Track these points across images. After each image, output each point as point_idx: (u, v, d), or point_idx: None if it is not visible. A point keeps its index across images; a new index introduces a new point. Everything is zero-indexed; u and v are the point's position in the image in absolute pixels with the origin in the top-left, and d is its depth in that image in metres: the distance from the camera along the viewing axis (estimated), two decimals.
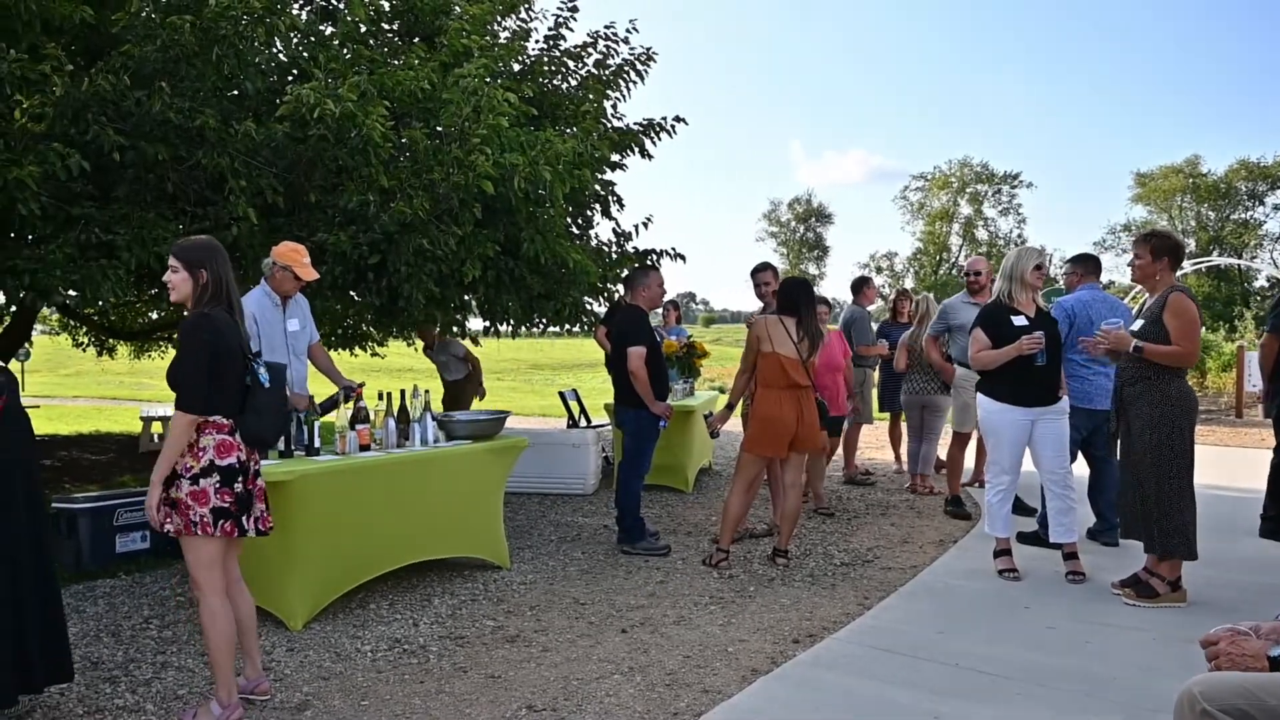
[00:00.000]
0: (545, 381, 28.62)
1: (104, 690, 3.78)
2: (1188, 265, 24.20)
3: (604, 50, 8.06)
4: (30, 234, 5.78)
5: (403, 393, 5.41)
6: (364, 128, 5.64)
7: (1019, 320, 5.33)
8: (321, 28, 6.95)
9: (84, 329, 12.45)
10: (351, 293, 6.88)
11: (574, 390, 9.22)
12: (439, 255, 6.05)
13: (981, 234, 59.28)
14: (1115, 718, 3.51)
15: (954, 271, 57.54)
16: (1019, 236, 58.54)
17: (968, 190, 59.45)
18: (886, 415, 9.99)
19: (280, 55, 6.60)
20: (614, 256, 8.12)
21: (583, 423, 8.82)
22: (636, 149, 8.14)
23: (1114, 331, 4.91)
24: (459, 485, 5.40)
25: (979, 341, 5.45)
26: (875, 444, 11.31)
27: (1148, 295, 5.09)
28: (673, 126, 8.18)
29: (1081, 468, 6.08)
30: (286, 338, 5.32)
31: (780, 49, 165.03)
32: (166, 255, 3.46)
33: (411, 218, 5.86)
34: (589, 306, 7.92)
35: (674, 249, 8.22)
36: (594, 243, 8.24)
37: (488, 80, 6.32)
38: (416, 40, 7.38)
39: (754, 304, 7.48)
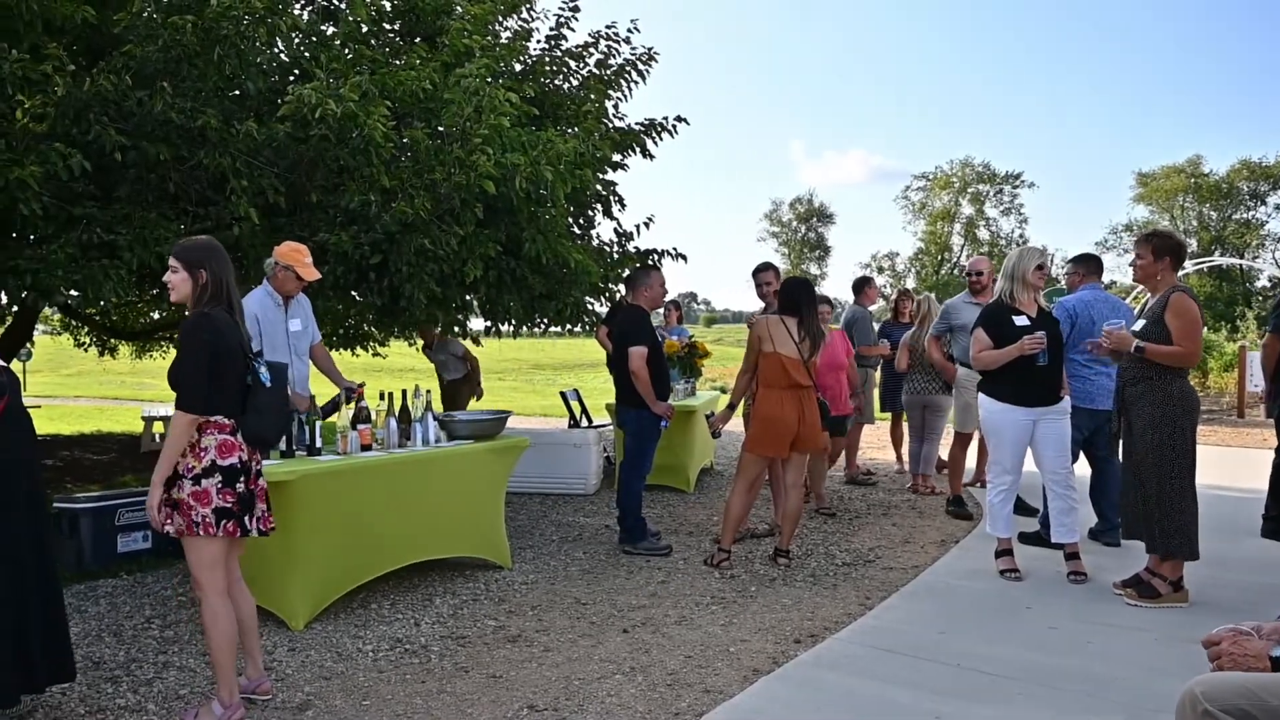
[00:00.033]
0: (546, 381, 28.64)
1: (106, 690, 3.78)
2: (1189, 265, 24.18)
3: (605, 50, 8.06)
4: (32, 234, 5.79)
5: (404, 393, 5.41)
6: (365, 128, 5.64)
7: (1020, 320, 5.33)
8: (323, 28, 6.95)
9: (85, 329, 12.45)
10: (353, 293, 6.88)
11: (575, 390, 9.22)
12: (440, 255, 6.05)
13: (983, 234, 59.23)
14: (1117, 718, 3.51)
15: (955, 271, 57.49)
16: (1021, 236, 58.52)
17: (969, 190, 59.41)
18: (888, 415, 9.98)
19: (282, 55, 6.60)
20: (615, 256, 8.12)
21: (584, 423, 8.82)
22: (638, 149, 8.14)
23: (1116, 332, 4.90)
24: (460, 485, 5.40)
25: (980, 341, 5.44)
26: (877, 444, 11.31)
27: (1149, 295, 5.09)
28: (674, 126, 8.18)
29: (1083, 468, 6.07)
30: (288, 338, 5.32)
31: (781, 49, 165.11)
32: (168, 255, 3.46)
33: (413, 218, 5.86)
34: (590, 306, 7.92)
35: (675, 249, 8.22)
36: (595, 243, 8.24)
37: (489, 80, 6.32)
38: (418, 40, 7.38)
39: (755, 304, 7.48)
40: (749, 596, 5.17)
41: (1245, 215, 50.28)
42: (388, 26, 7.46)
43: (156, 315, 11.28)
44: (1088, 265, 6.47)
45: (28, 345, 12.40)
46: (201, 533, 3.31)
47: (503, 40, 7.74)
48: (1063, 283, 7.15)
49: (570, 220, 7.63)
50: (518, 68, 7.63)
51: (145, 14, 5.59)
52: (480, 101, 6.06)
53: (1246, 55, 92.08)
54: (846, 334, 8.42)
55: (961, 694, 3.74)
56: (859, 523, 7.15)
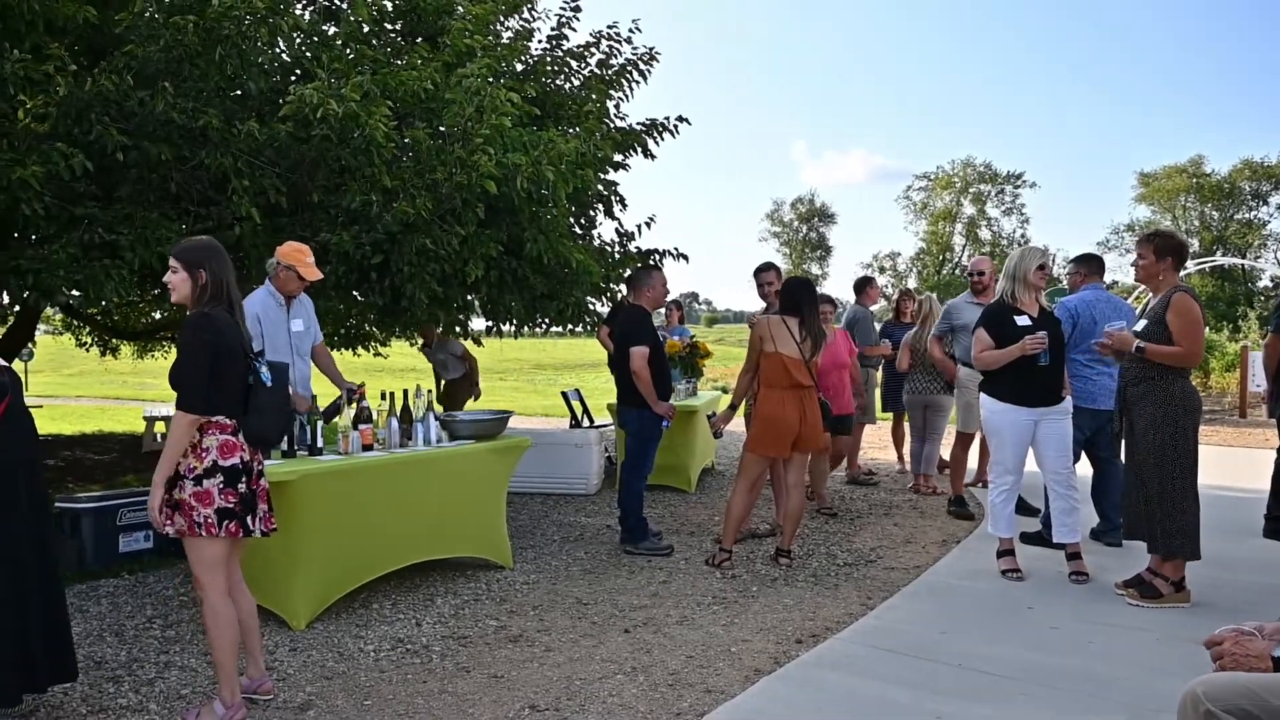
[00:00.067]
0: (548, 381, 28.64)
1: (107, 690, 3.78)
2: (1191, 265, 24.15)
3: (606, 50, 8.06)
4: (34, 234, 5.79)
5: (405, 392, 5.41)
6: (367, 128, 5.65)
7: (1022, 320, 5.32)
8: (324, 28, 6.96)
9: (87, 329, 12.46)
10: (354, 293, 6.88)
11: (577, 390, 9.22)
12: (442, 255, 6.05)
13: (985, 234, 59.22)
14: (1118, 718, 3.51)
15: (957, 271, 57.48)
16: (1022, 236, 58.52)
17: (971, 190, 59.40)
18: (889, 415, 9.98)
19: (283, 55, 6.61)
20: (617, 256, 8.12)
21: (585, 423, 8.82)
22: (639, 149, 8.14)
23: (1117, 333, 4.90)
24: (462, 485, 5.40)
25: (982, 341, 5.44)
26: (878, 444, 11.30)
27: (1151, 295, 5.09)
28: (675, 126, 8.18)
29: (1085, 468, 6.07)
30: (290, 338, 5.32)
31: (782, 49, 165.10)
32: (169, 255, 3.46)
33: (414, 218, 5.86)
34: (592, 306, 7.92)
35: (677, 249, 8.23)
36: (597, 243, 8.24)
37: (490, 80, 6.32)
38: (419, 40, 7.38)
39: (757, 304, 7.48)
40: (750, 596, 5.17)
41: (1247, 215, 50.27)
42: (389, 26, 7.47)
43: (158, 315, 11.28)
44: (1089, 265, 6.46)
45: (29, 345, 12.41)
46: (204, 533, 3.31)
47: (504, 40, 7.74)
48: (1064, 283, 7.15)
49: (572, 220, 7.63)
50: (519, 68, 7.63)
51: (147, 14, 5.59)
52: (482, 101, 6.06)
53: (1248, 55, 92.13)
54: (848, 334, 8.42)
55: (963, 694, 3.74)
56: (860, 523, 7.15)
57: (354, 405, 5.02)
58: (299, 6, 7.08)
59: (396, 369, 24.43)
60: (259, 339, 4.93)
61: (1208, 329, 15.02)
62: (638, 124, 8.14)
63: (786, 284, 5.95)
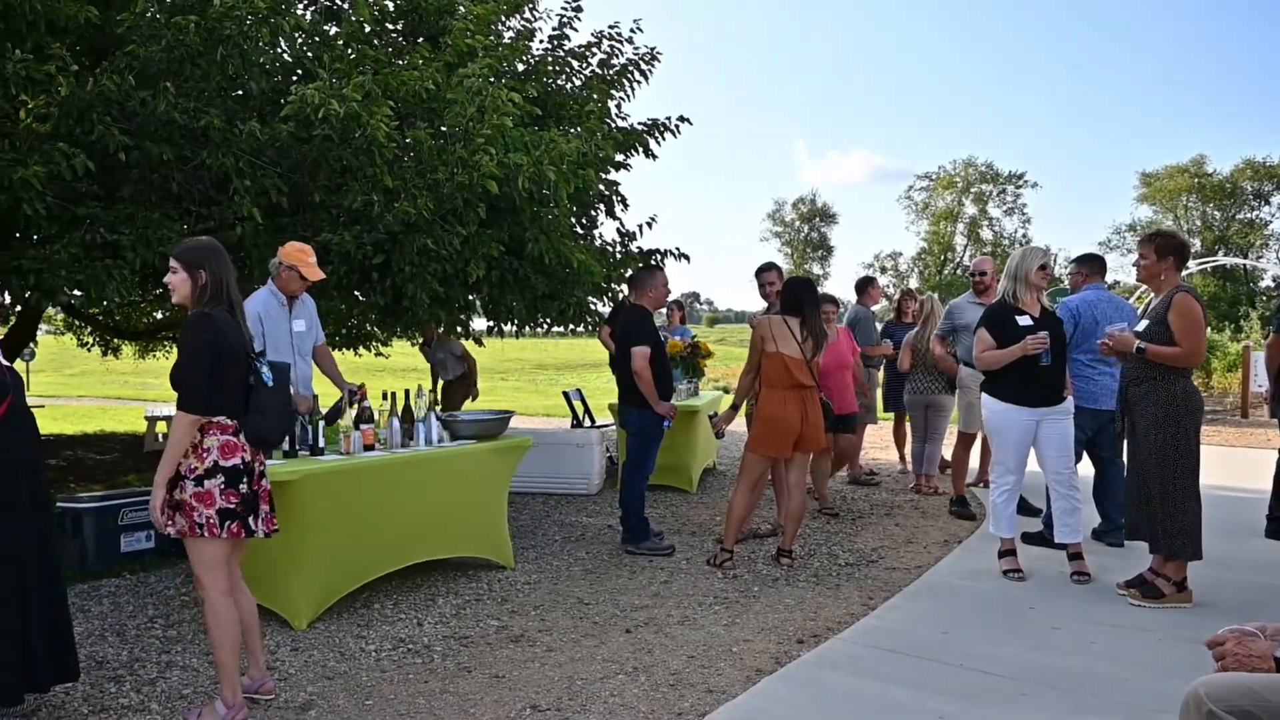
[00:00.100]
0: (549, 381, 28.64)
1: (109, 689, 3.79)
2: (1193, 265, 24.15)
3: (608, 50, 8.05)
4: (35, 234, 5.79)
5: (407, 392, 5.41)
6: (368, 128, 5.64)
7: (1024, 320, 5.32)
8: (326, 28, 6.96)
9: (89, 329, 12.46)
10: (356, 292, 6.88)
11: (578, 390, 9.22)
12: (443, 255, 6.05)
13: (986, 234, 59.25)
14: (1120, 718, 3.51)
15: (958, 271, 57.49)
16: (1024, 236, 58.54)
17: (972, 190, 59.43)
18: (891, 415, 9.97)
19: (285, 55, 6.60)
20: (618, 256, 8.11)
21: (587, 423, 8.82)
22: (640, 149, 8.13)
23: (1118, 334, 4.91)
24: (463, 485, 5.40)
25: (983, 341, 5.44)
26: (880, 444, 11.29)
27: (1153, 295, 5.08)
28: (677, 126, 8.17)
29: (1087, 468, 6.06)
30: (292, 338, 5.33)
31: (783, 49, 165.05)
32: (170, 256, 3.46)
33: (416, 217, 5.86)
34: (593, 306, 7.91)
35: (678, 249, 8.21)
36: (598, 243, 8.23)
37: (492, 80, 6.32)
38: (421, 40, 7.38)
39: (759, 304, 7.47)
40: (752, 596, 5.17)
41: (1249, 215, 50.28)
42: (390, 26, 7.46)
43: (159, 315, 11.29)
44: (1091, 265, 6.46)
45: (31, 345, 12.43)
46: (206, 534, 3.31)
47: (505, 40, 7.73)
48: (1066, 283, 7.14)
49: (573, 220, 7.62)
50: (520, 68, 7.63)
51: (148, 14, 5.59)
52: (483, 101, 6.06)
53: (1251, 55, 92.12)
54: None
55: (964, 694, 3.74)
56: (862, 523, 7.15)
57: (355, 406, 5.02)
58: (300, 6, 7.08)
59: (398, 369, 24.43)
60: (260, 339, 4.94)
61: (1210, 329, 15.02)
62: (639, 124, 8.14)
63: (787, 284, 5.95)
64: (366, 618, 4.74)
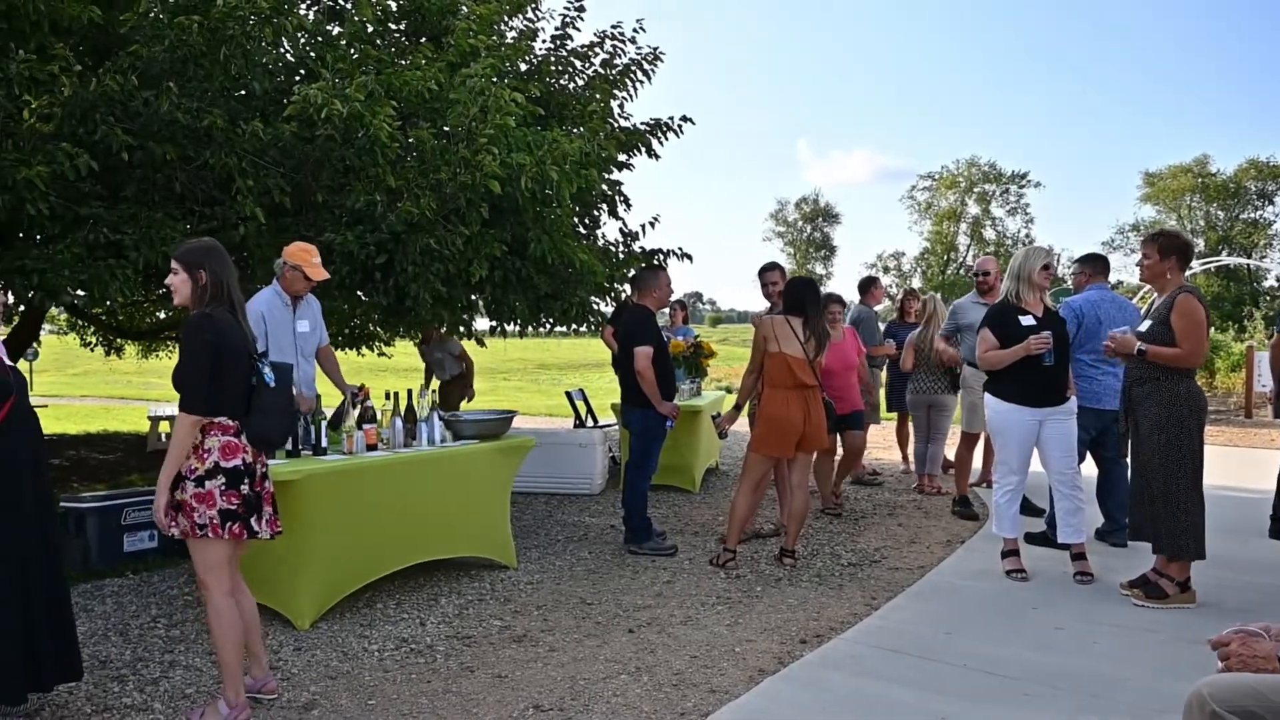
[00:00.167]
0: (552, 381, 28.63)
1: (112, 689, 3.79)
2: (1196, 265, 24.11)
3: (610, 50, 8.05)
4: (39, 234, 5.80)
5: (410, 392, 5.41)
6: (371, 128, 5.65)
7: (1027, 320, 5.32)
8: (329, 28, 6.96)
9: (92, 329, 12.47)
10: (359, 292, 6.88)
11: (581, 390, 9.23)
12: (446, 255, 6.05)
13: (989, 234, 59.20)
14: (1123, 719, 3.50)
15: (961, 271, 57.45)
16: (1027, 236, 58.45)
17: (975, 190, 59.35)
18: (894, 415, 9.97)
19: (287, 55, 6.61)
20: (621, 256, 8.11)
21: (589, 423, 8.82)
22: (643, 149, 8.13)
23: (1119, 336, 4.90)
24: (466, 485, 5.40)
25: (986, 341, 5.43)
26: (882, 444, 11.29)
27: (1156, 295, 5.08)
28: (679, 126, 8.16)
29: (1090, 468, 6.06)
30: (295, 338, 5.32)
31: (786, 48, 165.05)
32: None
33: (418, 217, 5.86)
34: (596, 306, 7.91)
35: (681, 249, 8.20)
36: (601, 242, 8.23)
37: (494, 80, 6.31)
38: (423, 40, 7.38)
39: (761, 304, 7.47)
40: (754, 597, 5.16)
41: (1253, 215, 50.18)
42: (393, 26, 7.47)
43: (163, 315, 11.29)
44: (1094, 265, 6.45)
45: (34, 345, 12.44)
46: (210, 534, 3.31)
47: (508, 40, 7.73)
48: (1069, 283, 7.13)
49: (576, 220, 7.62)
50: (523, 67, 7.62)
51: (151, 14, 5.60)
52: (486, 101, 6.06)
53: (1254, 54, 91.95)
54: None
55: (967, 694, 3.73)
56: (865, 523, 7.15)
57: (358, 406, 5.02)
58: (303, 7, 7.08)
59: (400, 369, 24.43)
60: (263, 339, 4.94)
61: (1213, 329, 14.97)
62: (642, 124, 8.13)
63: (790, 284, 5.95)
64: (369, 617, 4.75)
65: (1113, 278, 6.90)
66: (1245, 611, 4.63)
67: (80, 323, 12.31)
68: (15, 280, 5.40)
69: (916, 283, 57.52)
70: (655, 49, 8.08)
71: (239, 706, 3.40)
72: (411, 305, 6.31)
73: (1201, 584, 4.95)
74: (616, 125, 7.93)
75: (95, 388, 25.04)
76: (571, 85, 7.98)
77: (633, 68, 8.02)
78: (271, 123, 5.73)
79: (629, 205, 8.28)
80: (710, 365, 9.65)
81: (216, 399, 3.32)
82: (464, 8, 7.34)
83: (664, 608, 4.95)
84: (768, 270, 7.05)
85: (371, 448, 4.97)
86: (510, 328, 7.87)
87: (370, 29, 6.94)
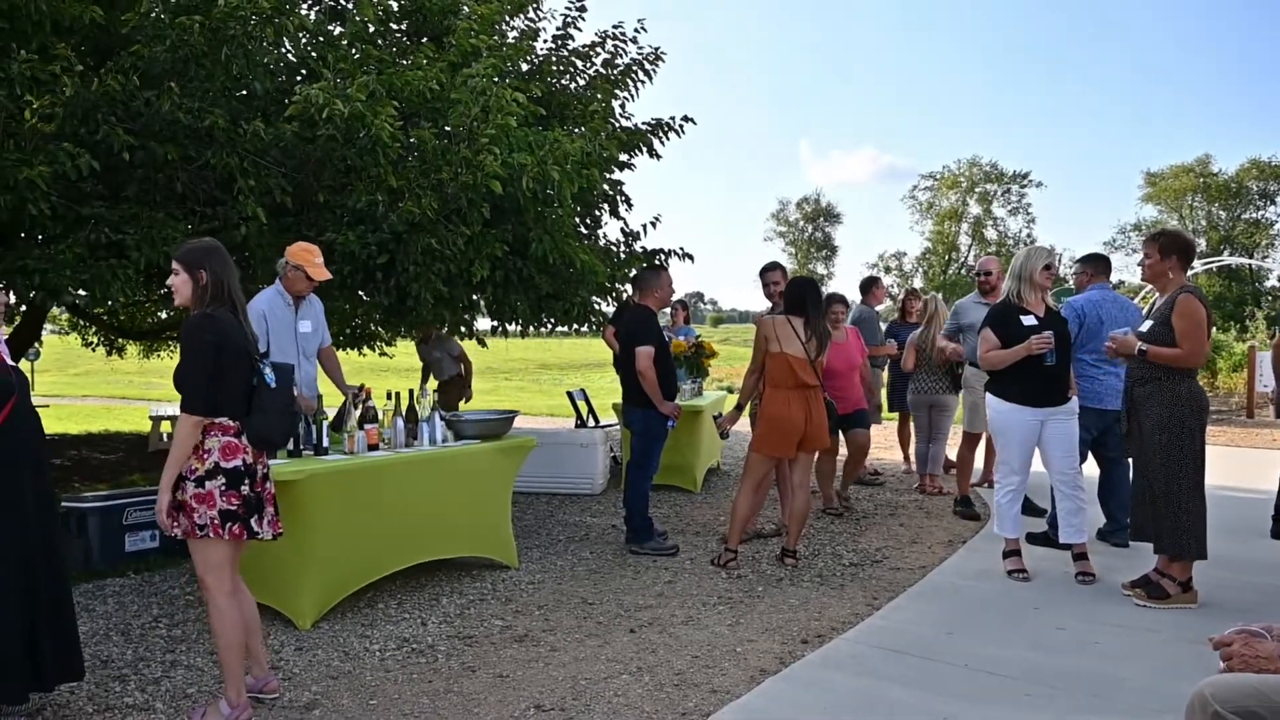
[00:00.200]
0: (553, 381, 28.63)
1: (114, 688, 3.79)
2: (1198, 265, 24.09)
3: (612, 50, 8.06)
4: (40, 234, 5.81)
5: (411, 392, 5.41)
6: (372, 128, 5.65)
7: (1028, 320, 5.31)
8: (330, 28, 6.97)
9: (93, 328, 12.49)
10: (360, 292, 6.89)
11: (582, 390, 9.23)
12: (447, 255, 6.05)
13: (991, 234, 59.20)
14: (1125, 719, 3.50)
15: (963, 271, 57.44)
16: (1028, 236, 58.45)
17: (977, 190, 59.35)
18: (895, 415, 9.97)
19: (289, 55, 6.62)
20: (622, 256, 8.11)
21: (591, 422, 8.82)
22: (644, 149, 8.13)
23: (1120, 338, 4.90)
24: (467, 485, 5.40)
25: (988, 341, 5.43)
26: (884, 444, 11.28)
27: (1158, 295, 5.08)
28: (681, 126, 8.16)
29: (1091, 468, 6.05)
30: (297, 339, 5.32)
31: (786, 48, 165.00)
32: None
33: (420, 217, 5.87)
34: (597, 306, 7.92)
35: (682, 249, 8.21)
36: (602, 242, 8.23)
37: (496, 80, 6.32)
38: (425, 40, 7.38)
39: (763, 304, 7.47)
40: (756, 597, 5.16)
41: (1254, 215, 50.17)
42: (395, 26, 7.47)
43: (164, 315, 11.30)
44: (1096, 265, 6.45)
45: (36, 345, 12.45)
46: (211, 535, 3.31)
47: (509, 40, 7.74)
48: (1071, 282, 7.12)
49: (577, 220, 7.63)
50: (524, 67, 7.63)
51: (153, 14, 5.61)
52: (487, 101, 6.06)
53: (1256, 54, 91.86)
54: None
55: (969, 695, 3.73)
56: (866, 523, 7.14)
57: (359, 406, 5.02)
58: (304, 7, 7.09)
59: (401, 369, 24.44)
60: (265, 338, 4.94)
61: (1215, 329, 14.95)
62: (643, 124, 8.13)
63: (790, 284, 5.95)
64: (371, 617, 4.75)
65: (1114, 278, 6.89)
66: (1247, 611, 4.63)
67: (82, 323, 12.32)
68: (17, 280, 5.40)
69: (918, 283, 57.52)
70: (657, 49, 8.08)
71: (240, 706, 3.40)
72: (413, 305, 6.31)
73: (1203, 584, 4.95)
74: (618, 125, 7.93)
75: (97, 388, 25.06)
76: (573, 85, 7.99)
77: (634, 68, 8.03)
78: (273, 123, 5.73)
79: (630, 205, 8.29)
80: (712, 365, 9.66)
81: (216, 399, 3.32)
82: (465, 8, 7.34)
83: (665, 608, 4.95)
84: (769, 270, 7.05)
85: (373, 448, 4.97)
86: (511, 328, 7.87)
87: (372, 29, 6.94)
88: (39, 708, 3.57)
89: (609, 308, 8.21)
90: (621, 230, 8.37)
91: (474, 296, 7.30)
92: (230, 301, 3.40)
